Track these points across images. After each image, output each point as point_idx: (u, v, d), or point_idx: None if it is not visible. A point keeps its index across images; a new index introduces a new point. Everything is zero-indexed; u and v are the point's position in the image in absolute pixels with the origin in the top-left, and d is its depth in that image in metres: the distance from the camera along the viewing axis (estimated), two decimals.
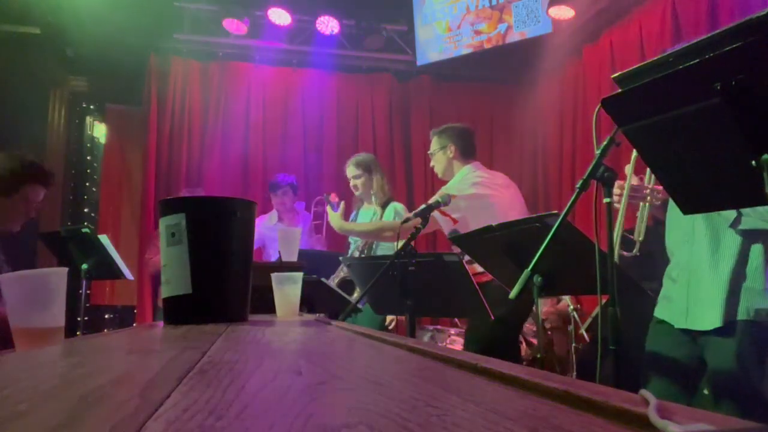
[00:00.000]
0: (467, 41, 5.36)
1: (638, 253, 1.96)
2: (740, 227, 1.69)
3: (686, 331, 1.80)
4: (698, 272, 1.78)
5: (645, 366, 1.92)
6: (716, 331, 1.70)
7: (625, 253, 1.96)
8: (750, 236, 1.70)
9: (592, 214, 1.48)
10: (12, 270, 1.73)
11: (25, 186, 2.05)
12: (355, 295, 2.89)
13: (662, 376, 1.87)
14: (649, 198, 1.87)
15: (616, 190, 1.93)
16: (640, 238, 1.94)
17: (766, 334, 1.64)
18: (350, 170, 3.39)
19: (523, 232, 1.74)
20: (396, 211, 3.27)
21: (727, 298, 1.69)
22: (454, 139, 2.92)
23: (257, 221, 4.14)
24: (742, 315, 1.67)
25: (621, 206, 1.87)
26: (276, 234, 3.77)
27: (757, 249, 1.69)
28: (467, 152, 2.93)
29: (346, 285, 3.12)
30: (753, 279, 1.68)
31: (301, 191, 5.10)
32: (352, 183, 3.40)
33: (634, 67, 1.11)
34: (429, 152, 3.02)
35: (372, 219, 3.31)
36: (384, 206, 3.31)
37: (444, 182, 2.93)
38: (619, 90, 1.12)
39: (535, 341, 3.55)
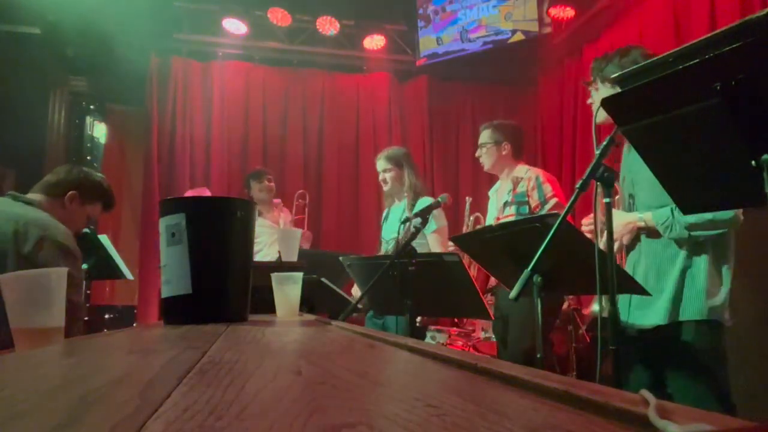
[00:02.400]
0: (469, 40, 5.36)
1: None
2: (698, 240, 1.72)
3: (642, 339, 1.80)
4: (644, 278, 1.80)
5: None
6: (665, 331, 1.73)
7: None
8: (695, 244, 1.73)
9: (592, 214, 1.48)
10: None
11: (96, 201, 2.16)
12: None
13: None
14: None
15: (588, 227, 1.91)
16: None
17: (713, 331, 1.68)
18: (380, 164, 3.30)
19: (523, 232, 1.74)
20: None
21: (671, 300, 1.72)
22: (509, 137, 2.93)
23: None
24: (686, 315, 1.69)
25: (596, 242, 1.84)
26: (260, 230, 3.74)
27: (701, 255, 1.73)
28: (519, 152, 2.98)
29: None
30: (696, 281, 1.71)
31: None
32: (381, 177, 3.29)
33: (634, 67, 1.11)
34: (480, 143, 2.97)
35: (402, 216, 3.26)
36: (414, 202, 3.26)
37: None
38: (619, 90, 1.12)
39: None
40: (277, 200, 4.25)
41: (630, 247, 1.88)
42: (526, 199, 2.81)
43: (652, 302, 1.75)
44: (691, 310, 1.70)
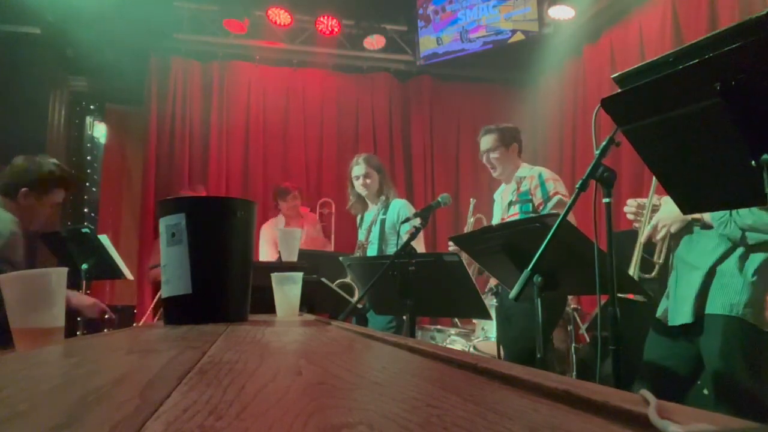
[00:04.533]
0: (469, 40, 5.36)
1: (658, 276, 1.96)
2: (748, 243, 1.73)
3: (681, 331, 1.82)
4: (680, 272, 1.84)
5: (642, 366, 1.93)
6: (700, 328, 1.74)
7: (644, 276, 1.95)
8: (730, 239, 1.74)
9: (592, 214, 1.48)
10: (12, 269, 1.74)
11: (53, 189, 2.14)
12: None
13: (655, 376, 1.88)
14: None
15: (631, 208, 1.94)
16: (660, 261, 1.93)
17: (748, 328, 1.67)
18: (360, 168, 3.24)
19: (523, 232, 1.74)
20: (398, 211, 3.21)
21: (698, 296, 1.74)
22: (516, 138, 2.95)
23: (267, 225, 4.20)
24: (719, 310, 1.70)
25: (642, 225, 1.86)
26: None
27: (736, 250, 1.74)
28: (520, 151, 3.00)
29: None
30: (730, 276, 1.72)
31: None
32: (362, 181, 3.24)
33: (634, 67, 1.11)
34: (488, 148, 2.91)
35: (377, 218, 3.27)
36: (387, 205, 3.27)
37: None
38: (619, 90, 1.12)
39: None
40: (305, 209, 4.42)
41: (678, 236, 1.90)
42: (530, 197, 2.81)
43: (684, 300, 1.78)
44: (715, 305, 1.71)
